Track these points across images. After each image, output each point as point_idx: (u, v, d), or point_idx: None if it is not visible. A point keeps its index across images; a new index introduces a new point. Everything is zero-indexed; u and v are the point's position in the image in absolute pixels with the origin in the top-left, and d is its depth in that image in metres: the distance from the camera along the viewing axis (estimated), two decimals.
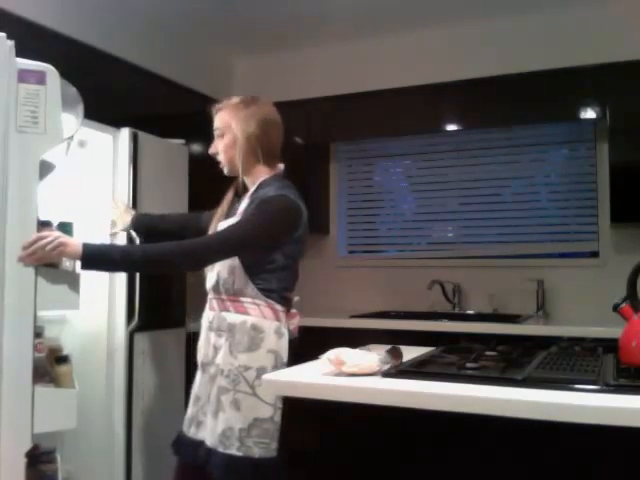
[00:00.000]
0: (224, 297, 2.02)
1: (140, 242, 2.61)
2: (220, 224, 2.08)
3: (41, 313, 2.01)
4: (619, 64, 3.17)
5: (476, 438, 1.52)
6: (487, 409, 1.42)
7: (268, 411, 1.93)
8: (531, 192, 3.73)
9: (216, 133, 2.12)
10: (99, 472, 2.70)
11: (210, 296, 2.09)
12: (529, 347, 1.98)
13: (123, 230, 2.58)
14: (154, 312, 2.85)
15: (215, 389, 1.99)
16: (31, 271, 1.92)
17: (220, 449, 1.92)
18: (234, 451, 1.90)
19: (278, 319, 2.01)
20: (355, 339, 2.23)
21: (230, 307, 2.00)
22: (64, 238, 1.89)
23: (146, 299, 2.77)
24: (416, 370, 1.69)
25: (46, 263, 1.96)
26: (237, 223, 1.98)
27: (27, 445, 1.89)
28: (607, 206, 3.27)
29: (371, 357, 1.70)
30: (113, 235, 2.67)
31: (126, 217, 2.49)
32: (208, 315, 2.08)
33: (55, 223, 2.09)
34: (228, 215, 2.10)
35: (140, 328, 2.74)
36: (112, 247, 2.07)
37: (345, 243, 4.22)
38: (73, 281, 2.04)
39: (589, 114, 3.35)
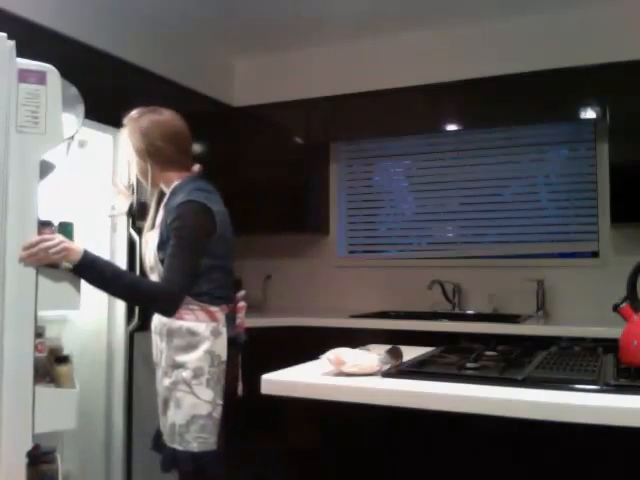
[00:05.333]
0: None
1: (140, 241, 2.62)
2: (149, 234, 2.15)
3: (42, 313, 2.01)
4: (619, 64, 3.17)
5: (476, 438, 1.52)
6: (487, 409, 1.42)
7: (206, 408, 2.01)
8: (531, 192, 3.73)
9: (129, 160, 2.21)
10: (99, 472, 2.71)
11: None
12: (529, 347, 1.98)
13: (120, 214, 2.66)
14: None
15: (162, 388, 2.09)
16: (32, 271, 1.91)
17: (168, 443, 2.05)
18: (176, 445, 2.01)
19: (214, 319, 2.06)
20: (355, 339, 2.24)
21: None
22: (68, 243, 1.92)
23: None
24: (416, 370, 1.69)
25: (46, 264, 1.97)
26: (173, 259, 1.99)
27: (28, 445, 1.89)
28: (607, 206, 3.27)
29: (371, 357, 1.70)
30: (112, 217, 2.70)
31: (125, 202, 2.58)
32: (154, 320, 2.16)
33: (55, 223, 2.09)
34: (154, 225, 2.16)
35: (140, 328, 2.74)
36: (109, 264, 2.08)
37: (345, 243, 4.22)
38: (74, 281, 2.03)
39: (589, 114, 3.35)
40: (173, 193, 2.10)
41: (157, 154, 2.11)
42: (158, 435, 2.16)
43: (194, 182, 2.12)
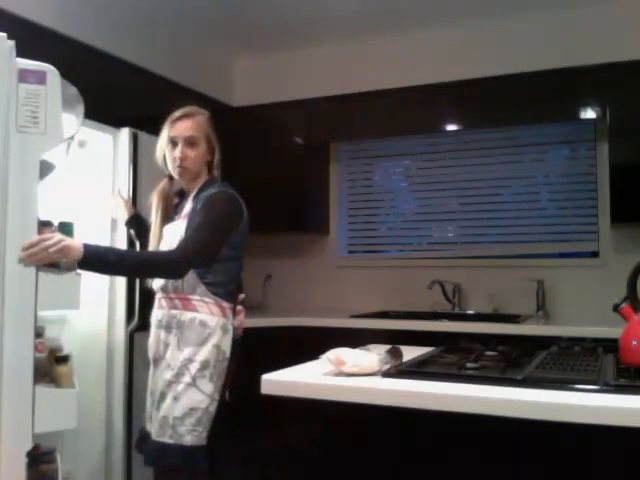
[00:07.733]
0: (172, 296, 2.13)
1: (140, 239, 2.62)
2: (166, 227, 2.19)
3: (41, 313, 2.01)
4: (619, 64, 3.17)
5: (476, 438, 1.52)
6: (487, 409, 1.42)
7: (204, 402, 2.04)
8: (531, 192, 3.73)
9: (188, 140, 2.18)
10: (99, 472, 2.70)
11: (158, 295, 2.20)
12: (529, 347, 1.98)
13: (117, 218, 2.69)
14: None
15: (161, 382, 2.10)
16: (32, 271, 1.91)
17: (155, 437, 2.05)
18: (166, 439, 2.02)
19: (225, 316, 2.12)
20: (355, 339, 2.24)
21: (179, 305, 2.11)
22: (67, 241, 1.92)
23: (146, 299, 2.77)
24: (416, 370, 1.69)
25: (46, 263, 1.97)
26: (194, 233, 2.05)
27: (28, 445, 1.89)
28: (607, 206, 3.27)
29: (371, 357, 1.70)
30: (114, 220, 2.74)
31: (125, 210, 2.61)
32: (157, 314, 2.19)
33: (55, 223, 2.09)
34: (171, 218, 2.21)
35: (140, 328, 2.74)
36: (109, 250, 2.12)
37: (345, 243, 4.22)
38: (73, 281, 2.03)
39: (589, 114, 3.35)
40: (202, 188, 2.19)
41: (215, 154, 2.25)
42: (146, 435, 2.15)
43: (217, 183, 2.23)
